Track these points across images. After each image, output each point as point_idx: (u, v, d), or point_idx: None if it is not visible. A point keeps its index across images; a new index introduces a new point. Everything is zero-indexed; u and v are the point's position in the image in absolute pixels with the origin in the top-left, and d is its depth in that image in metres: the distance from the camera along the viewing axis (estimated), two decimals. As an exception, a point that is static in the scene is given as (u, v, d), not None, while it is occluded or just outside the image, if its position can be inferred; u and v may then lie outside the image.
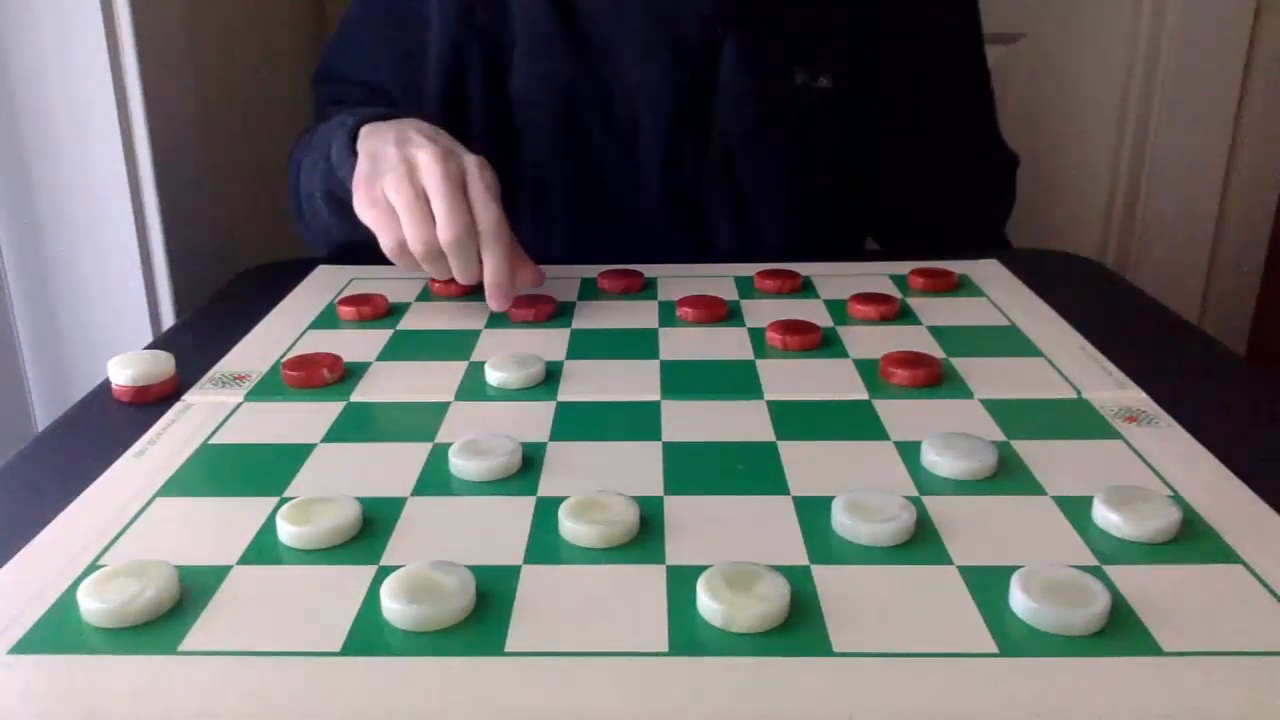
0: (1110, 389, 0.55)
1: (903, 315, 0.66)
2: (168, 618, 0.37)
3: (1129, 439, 0.49)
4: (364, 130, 0.69)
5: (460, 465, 0.46)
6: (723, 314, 0.66)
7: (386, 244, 0.63)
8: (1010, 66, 1.39)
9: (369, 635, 0.36)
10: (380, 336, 0.64)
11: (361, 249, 0.70)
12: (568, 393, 0.55)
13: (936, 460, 0.46)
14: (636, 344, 0.62)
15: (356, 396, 0.55)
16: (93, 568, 0.40)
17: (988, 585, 0.38)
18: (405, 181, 0.62)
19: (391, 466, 0.47)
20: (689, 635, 0.35)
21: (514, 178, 0.85)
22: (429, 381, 0.57)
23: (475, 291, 0.72)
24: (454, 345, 0.62)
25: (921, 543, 0.41)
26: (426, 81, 0.82)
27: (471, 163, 0.64)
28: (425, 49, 0.81)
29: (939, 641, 0.35)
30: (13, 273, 0.85)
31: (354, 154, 0.68)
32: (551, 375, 0.57)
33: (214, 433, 0.51)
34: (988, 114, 0.91)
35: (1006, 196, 0.94)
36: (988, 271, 0.75)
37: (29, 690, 0.33)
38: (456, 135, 0.70)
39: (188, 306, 0.85)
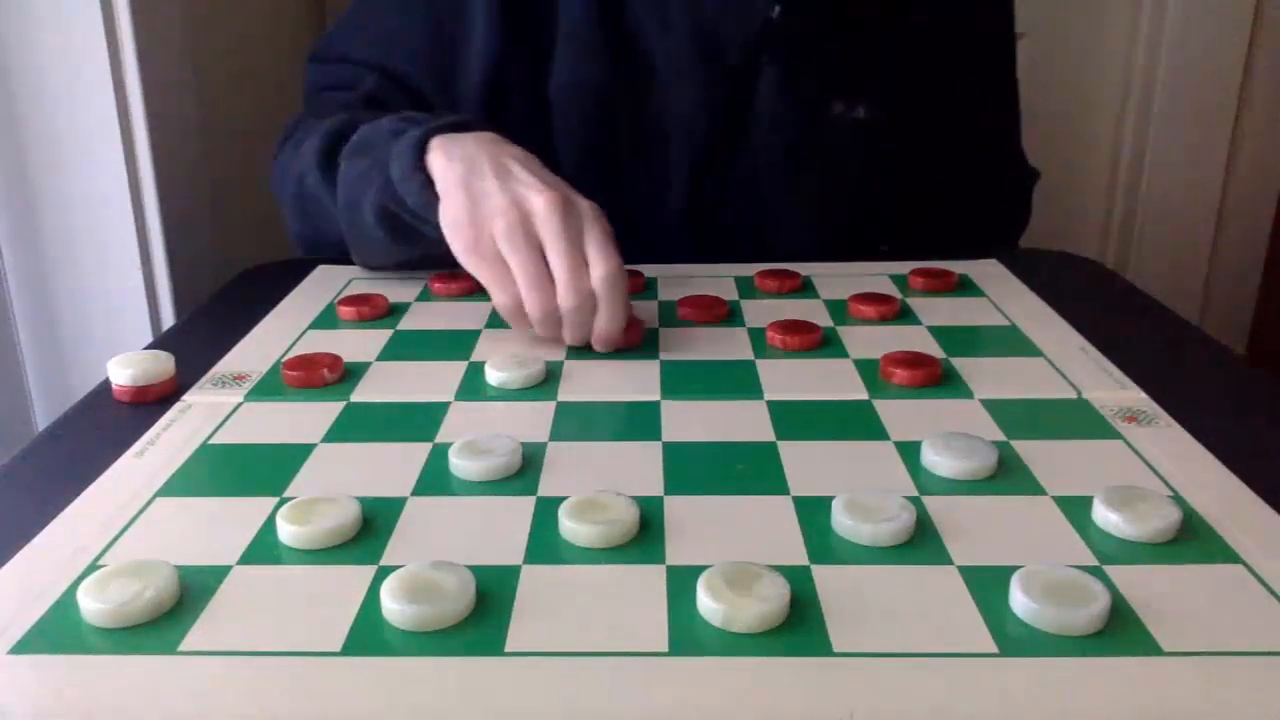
0: (1110, 389, 0.55)
1: (903, 315, 0.66)
2: (168, 618, 0.37)
3: (1129, 439, 0.49)
4: (437, 143, 0.63)
5: (460, 465, 0.46)
6: (723, 314, 0.66)
7: (501, 303, 0.60)
8: (1010, 66, 1.39)
9: (369, 635, 0.36)
10: (380, 336, 0.64)
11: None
12: (568, 393, 0.55)
13: (936, 460, 0.46)
14: (636, 344, 0.62)
15: (356, 396, 0.55)
16: (93, 568, 0.40)
17: (988, 585, 0.38)
18: (519, 235, 0.57)
19: (391, 466, 0.47)
20: (689, 635, 0.35)
21: None
22: (429, 381, 0.57)
23: (476, 292, 0.72)
24: (454, 345, 0.62)
25: (921, 543, 0.41)
26: (462, 74, 0.79)
27: (587, 211, 0.59)
28: (468, 38, 0.79)
29: (939, 641, 0.35)
30: (13, 273, 0.85)
31: (419, 169, 0.62)
32: (551, 375, 0.57)
33: (214, 433, 0.51)
34: (1012, 125, 0.91)
35: (1022, 211, 0.93)
36: (988, 271, 0.75)
37: (29, 690, 0.33)
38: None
39: (188, 306, 0.85)
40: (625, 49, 0.79)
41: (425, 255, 0.63)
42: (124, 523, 0.43)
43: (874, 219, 0.88)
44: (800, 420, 0.52)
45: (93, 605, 0.36)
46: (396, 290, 0.71)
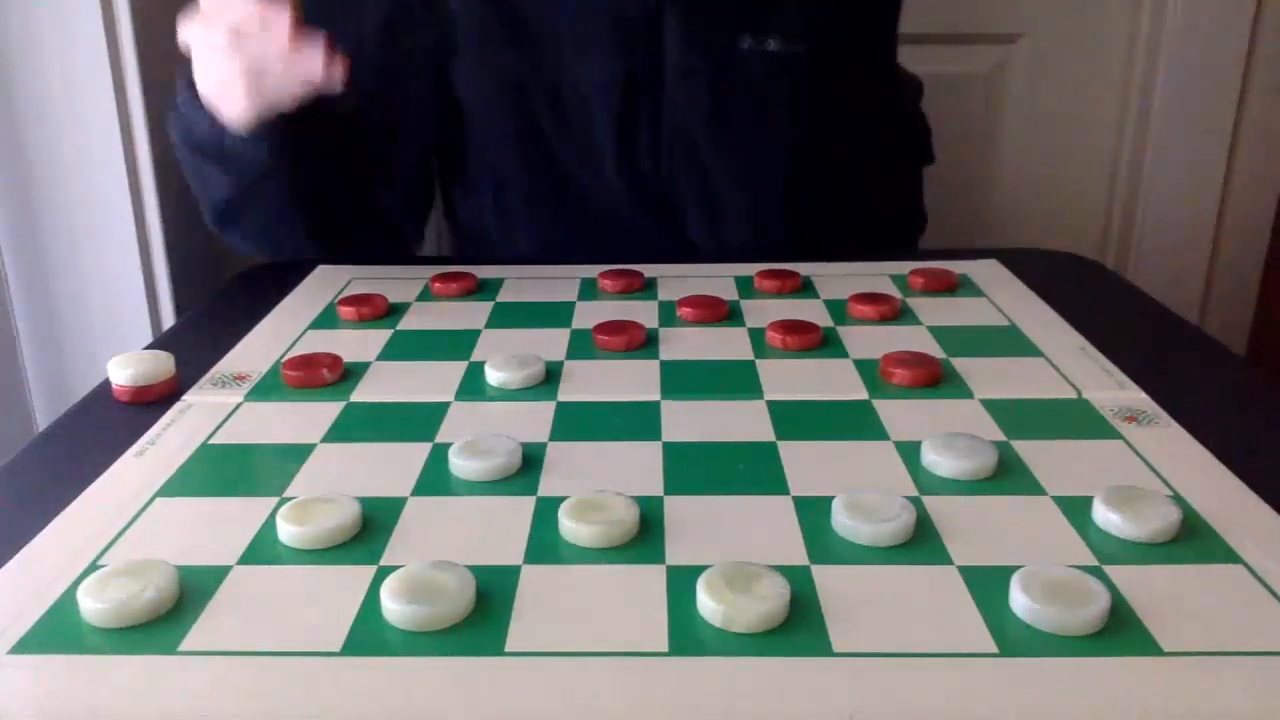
0: (1110, 389, 0.55)
1: (903, 315, 0.66)
2: (168, 618, 0.37)
3: (1129, 439, 0.49)
4: None
5: (460, 465, 0.46)
6: (723, 314, 0.66)
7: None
8: (1010, 66, 1.39)
9: (369, 635, 0.36)
10: (380, 336, 0.64)
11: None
12: (568, 393, 0.55)
13: (936, 460, 0.46)
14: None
15: (356, 396, 0.55)
16: (93, 568, 0.40)
17: (988, 585, 0.38)
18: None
19: (391, 466, 0.47)
20: (689, 635, 0.35)
21: (474, 175, 0.84)
22: (429, 381, 0.57)
23: (475, 291, 0.72)
24: (454, 345, 0.62)
25: (921, 543, 0.41)
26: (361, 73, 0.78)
27: None
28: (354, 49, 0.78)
29: (939, 641, 0.35)
30: (13, 273, 0.85)
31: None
32: (551, 375, 0.57)
33: (214, 433, 0.51)
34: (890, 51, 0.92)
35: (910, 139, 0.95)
36: (988, 271, 0.75)
37: (29, 690, 0.33)
38: (409, 133, 0.74)
39: (188, 306, 0.85)
40: (526, 32, 0.79)
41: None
42: (124, 523, 0.43)
43: (810, 162, 0.86)
44: (800, 420, 0.52)
45: (93, 605, 0.36)
46: (396, 290, 0.71)
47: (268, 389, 0.56)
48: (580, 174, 0.82)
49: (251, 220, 0.76)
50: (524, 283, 0.73)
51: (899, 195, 0.94)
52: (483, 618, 0.36)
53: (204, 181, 0.74)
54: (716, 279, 0.73)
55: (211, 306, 0.75)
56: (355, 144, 0.78)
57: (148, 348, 0.60)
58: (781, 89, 0.81)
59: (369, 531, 0.42)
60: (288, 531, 0.41)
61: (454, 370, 0.59)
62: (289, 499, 0.44)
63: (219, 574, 0.39)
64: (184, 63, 0.70)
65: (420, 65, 0.80)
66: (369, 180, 0.81)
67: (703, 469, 0.47)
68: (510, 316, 0.67)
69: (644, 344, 0.62)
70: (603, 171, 0.82)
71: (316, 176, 0.75)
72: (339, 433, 0.51)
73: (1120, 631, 0.35)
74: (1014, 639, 0.35)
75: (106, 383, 0.57)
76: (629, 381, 0.57)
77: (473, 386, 0.57)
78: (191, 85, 0.69)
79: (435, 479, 0.46)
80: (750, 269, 0.74)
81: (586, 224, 0.83)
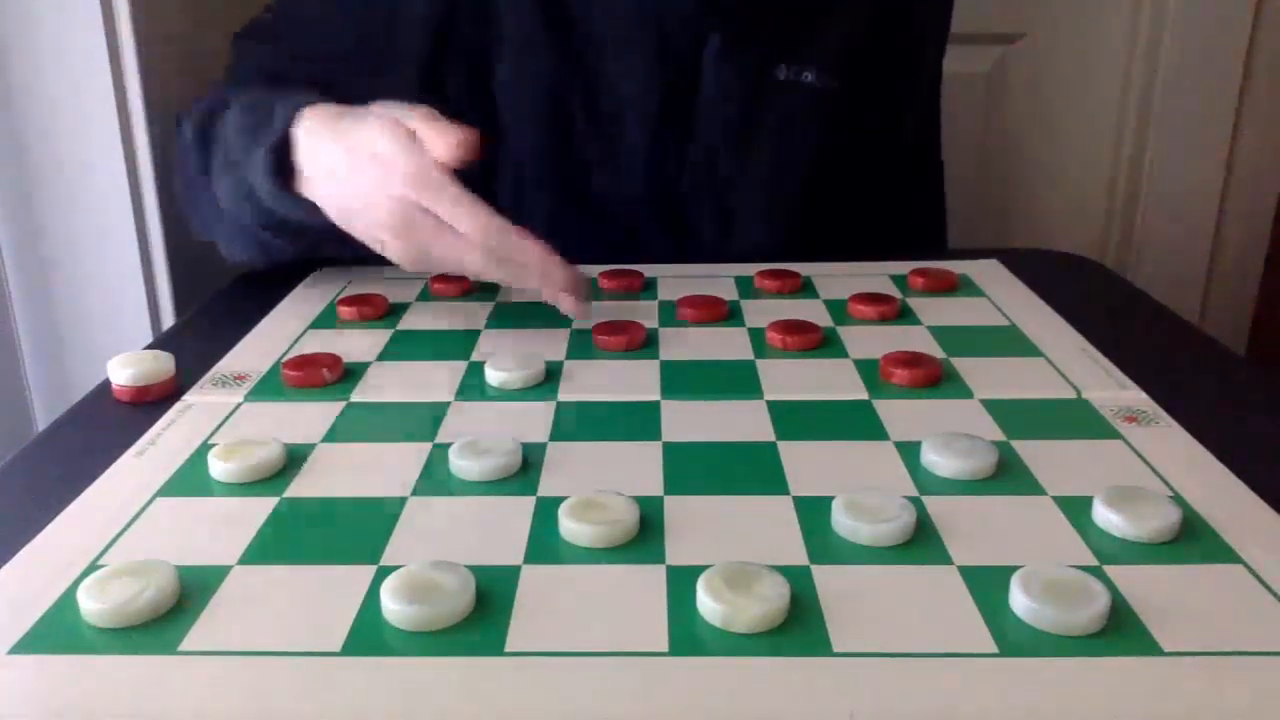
0: (1110, 389, 0.55)
1: (903, 315, 0.66)
2: (168, 618, 0.37)
3: (1129, 439, 0.49)
4: (297, 143, 0.62)
5: (460, 465, 0.46)
6: (723, 314, 0.66)
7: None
8: (1010, 66, 1.39)
9: (369, 635, 0.36)
10: (380, 336, 0.64)
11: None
12: (568, 393, 0.55)
13: (936, 460, 0.46)
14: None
15: (356, 396, 0.55)
16: (93, 568, 0.40)
17: (988, 585, 0.38)
18: (411, 218, 0.58)
19: (391, 466, 0.47)
20: (689, 635, 0.35)
21: (495, 173, 0.84)
22: (429, 381, 0.57)
23: (475, 291, 0.72)
24: (454, 345, 0.62)
25: (921, 543, 0.41)
26: (394, 78, 0.78)
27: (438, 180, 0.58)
28: (396, 51, 0.78)
29: (939, 641, 0.35)
30: (13, 273, 0.85)
31: (283, 187, 0.62)
32: (551, 375, 0.57)
33: (214, 433, 0.51)
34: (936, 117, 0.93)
35: (937, 213, 0.95)
36: (988, 271, 0.75)
37: (29, 690, 0.33)
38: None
39: (188, 306, 0.85)
40: (570, 35, 0.79)
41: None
42: (124, 523, 0.43)
43: (830, 196, 0.86)
44: (800, 420, 0.52)
45: (93, 605, 0.36)
46: (396, 290, 0.71)
47: (268, 389, 0.56)
48: (604, 179, 0.82)
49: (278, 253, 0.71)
50: (524, 283, 0.73)
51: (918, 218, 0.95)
52: (483, 618, 0.36)
53: (241, 236, 0.70)
54: (716, 279, 0.73)
55: (211, 306, 0.75)
56: None
57: (148, 348, 0.60)
58: (811, 121, 0.82)
59: (369, 531, 0.42)
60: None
61: (454, 370, 0.59)
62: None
63: (219, 574, 0.39)
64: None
65: (464, 63, 0.80)
66: None
67: (703, 469, 0.47)
68: (510, 316, 0.67)
69: (644, 344, 0.62)
70: (627, 180, 0.82)
71: None
72: (339, 433, 0.51)
73: (1120, 631, 0.35)
74: (1014, 639, 0.35)
75: (106, 383, 0.57)
76: (629, 381, 0.57)
77: (473, 386, 0.57)
78: (275, 161, 0.62)
79: (435, 479, 0.46)
80: (750, 269, 0.74)
81: (601, 227, 0.84)
